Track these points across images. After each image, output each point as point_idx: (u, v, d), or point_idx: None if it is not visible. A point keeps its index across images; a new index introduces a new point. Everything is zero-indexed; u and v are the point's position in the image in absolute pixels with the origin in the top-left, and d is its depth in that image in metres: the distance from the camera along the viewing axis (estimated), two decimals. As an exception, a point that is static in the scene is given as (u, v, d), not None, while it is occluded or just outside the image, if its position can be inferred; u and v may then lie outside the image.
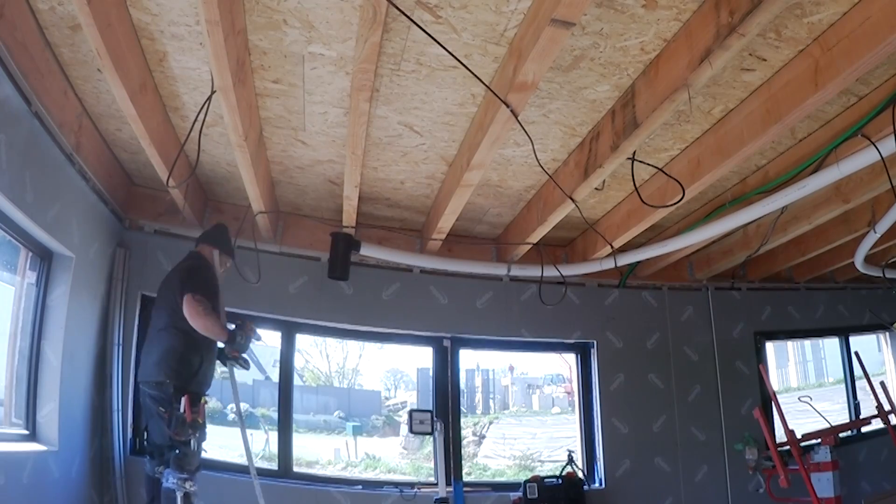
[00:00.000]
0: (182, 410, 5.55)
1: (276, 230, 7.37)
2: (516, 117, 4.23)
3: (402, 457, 16.29)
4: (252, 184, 5.89)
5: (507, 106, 4.13)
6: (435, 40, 3.77)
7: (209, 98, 4.67)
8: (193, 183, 6.61)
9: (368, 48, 3.80)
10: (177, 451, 5.47)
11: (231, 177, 6.58)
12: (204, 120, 4.95)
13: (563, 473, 7.53)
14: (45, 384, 5.67)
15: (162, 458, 5.60)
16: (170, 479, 5.44)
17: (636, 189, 5.43)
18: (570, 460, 7.67)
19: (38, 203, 5.19)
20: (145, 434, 5.89)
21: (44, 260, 5.87)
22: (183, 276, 6.00)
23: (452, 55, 3.92)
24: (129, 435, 6.59)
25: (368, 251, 7.01)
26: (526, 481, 7.34)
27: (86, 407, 6.22)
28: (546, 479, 7.40)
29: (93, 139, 5.94)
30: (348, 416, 19.14)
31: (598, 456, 7.97)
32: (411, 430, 6.91)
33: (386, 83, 4.66)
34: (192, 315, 5.72)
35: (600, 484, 7.83)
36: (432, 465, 7.69)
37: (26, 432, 5.47)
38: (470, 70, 4.08)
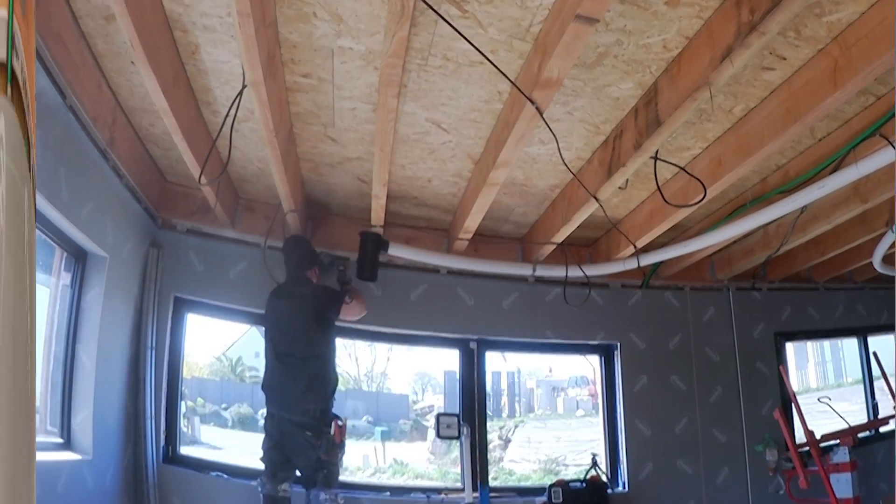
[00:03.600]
0: (332, 433, 5.95)
1: (307, 230, 7.25)
2: (541, 114, 4.23)
3: (430, 462, 15.99)
4: (282, 181, 5.85)
5: (533, 103, 4.12)
6: (461, 35, 3.76)
7: (240, 92, 4.59)
8: (225, 180, 6.45)
9: (396, 43, 3.79)
10: (324, 472, 5.85)
11: (262, 174, 6.49)
12: (235, 115, 4.85)
13: (588, 477, 7.52)
14: (80, 390, 5.58)
15: (308, 480, 5.93)
16: (321, 497, 5.82)
17: (658, 188, 5.41)
18: (594, 464, 7.67)
19: (73, 201, 5.04)
20: (273, 459, 6.05)
21: (78, 260, 5.72)
22: (320, 298, 6.50)
23: (479, 50, 3.91)
24: (162, 442, 6.54)
25: (396, 251, 6.94)
26: (551, 485, 7.35)
27: (119, 413, 6.11)
28: (570, 483, 7.39)
29: (126, 134, 5.81)
30: (377, 420, 18.53)
31: (621, 459, 7.97)
32: (438, 435, 6.91)
33: (413, 79, 4.61)
34: (356, 312, 6.63)
35: (623, 487, 7.82)
36: (459, 470, 7.62)
37: (61, 440, 5.39)
38: (496, 66, 4.07)
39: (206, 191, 6.10)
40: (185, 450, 7.04)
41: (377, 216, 6.63)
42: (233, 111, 4.80)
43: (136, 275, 6.51)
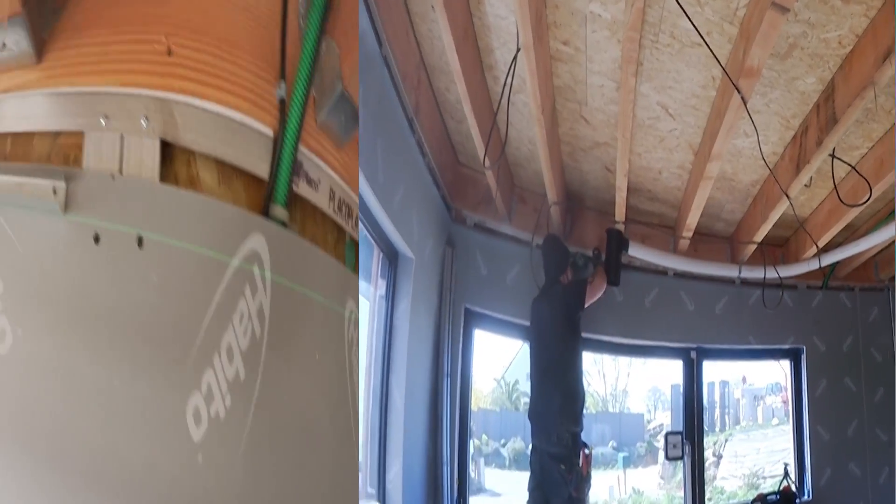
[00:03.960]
0: (580, 465, 5.61)
1: (566, 225, 6.83)
2: (745, 104, 4.25)
3: (660, 487, 14.40)
4: (547, 167, 5.56)
5: (738, 91, 4.13)
6: (684, 11, 3.70)
7: (515, 57, 4.27)
8: (503, 164, 5.93)
9: (635, 13, 3.72)
10: None
11: (532, 157, 5.98)
12: (511, 83, 4.47)
13: (780, 489, 7.83)
14: (393, 436, 5.06)
15: None
16: None
17: (835, 187, 5.49)
18: (786, 474, 8.01)
19: (387, 185, 4.41)
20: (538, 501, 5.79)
21: (391, 263, 5.09)
22: (568, 291, 6.12)
23: (697, 31, 3.87)
24: (455, 494, 6.07)
25: (634, 251, 6.65)
26: (752, 501, 7.85)
27: (423, 461, 5.54)
28: (768, 497, 7.73)
29: (428, 100, 5.14)
30: (619, 445, 16.29)
31: (806, 466, 8.15)
32: (667, 457, 7.34)
33: (647, 56, 4.41)
34: (599, 288, 6.15)
35: (808, 496, 8.03)
36: (682, 494, 7.76)
37: (377, 504, 4.74)
38: (710, 49, 4.02)
39: (489, 175, 5.70)
40: (472, 501, 6.62)
41: (620, 211, 6.32)
42: (509, 79, 4.47)
43: (434, 281, 5.83)
